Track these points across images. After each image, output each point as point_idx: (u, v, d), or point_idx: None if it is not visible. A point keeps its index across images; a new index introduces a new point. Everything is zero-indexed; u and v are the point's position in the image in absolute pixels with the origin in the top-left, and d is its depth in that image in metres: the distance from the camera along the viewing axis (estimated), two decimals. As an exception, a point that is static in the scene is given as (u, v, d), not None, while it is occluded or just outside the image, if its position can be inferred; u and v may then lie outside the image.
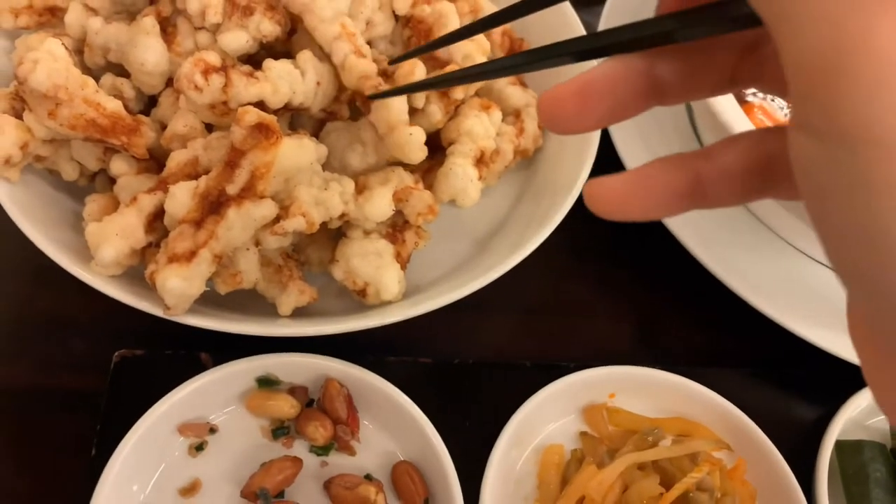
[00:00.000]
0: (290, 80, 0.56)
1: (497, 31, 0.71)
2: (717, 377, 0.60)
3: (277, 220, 0.52)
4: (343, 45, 0.57)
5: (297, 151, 0.52)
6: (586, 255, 0.69)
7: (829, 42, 0.17)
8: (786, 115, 0.67)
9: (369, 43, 0.64)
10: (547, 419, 0.57)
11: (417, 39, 0.64)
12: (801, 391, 0.62)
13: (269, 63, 0.56)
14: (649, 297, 0.67)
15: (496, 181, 0.67)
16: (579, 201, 0.67)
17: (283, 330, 0.53)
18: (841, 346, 0.60)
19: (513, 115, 0.69)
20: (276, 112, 0.58)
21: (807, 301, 0.62)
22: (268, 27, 0.58)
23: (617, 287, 0.67)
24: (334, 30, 0.57)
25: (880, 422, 0.60)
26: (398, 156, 0.57)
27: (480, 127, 0.62)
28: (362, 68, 0.56)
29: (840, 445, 0.56)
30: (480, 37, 0.64)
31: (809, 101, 0.18)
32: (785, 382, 0.62)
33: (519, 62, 0.33)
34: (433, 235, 0.66)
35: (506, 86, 0.69)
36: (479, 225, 0.67)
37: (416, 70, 0.60)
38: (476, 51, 0.64)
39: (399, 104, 0.56)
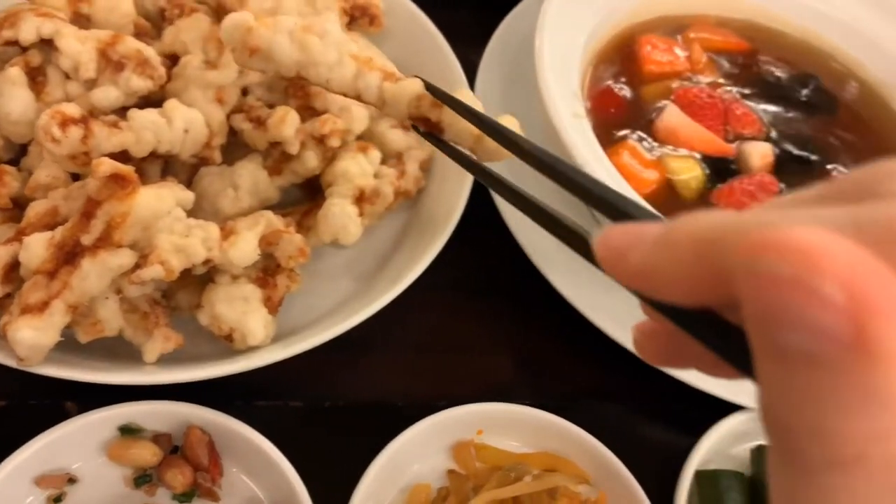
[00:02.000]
0: (156, 129, 0.57)
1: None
2: (590, 413, 0.62)
3: (138, 267, 0.53)
4: (370, 76, 0.56)
5: (155, 200, 0.53)
6: (471, 294, 0.70)
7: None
8: (654, 155, 0.69)
9: (245, 90, 0.66)
10: (415, 458, 0.57)
11: (294, 90, 0.66)
12: (670, 425, 0.64)
13: (132, 113, 0.57)
14: (530, 336, 0.68)
15: (378, 221, 0.69)
16: (468, 239, 0.70)
17: (143, 378, 0.53)
18: (704, 380, 0.61)
19: (395, 157, 0.70)
20: (143, 160, 0.59)
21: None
22: (138, 83, 0.59)
23: (499, 325, 0.69)
24: (348, 69, 0.55)
25: (742, 451, 0.62)
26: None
27: (356, 167, 0.63)
28: (412, 89, 0.54)
29: (699, 475, 0.58)
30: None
31: None
32: (655, 417, 0.64)
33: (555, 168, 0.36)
34: (318, 276, 0.67)
35: (388, 129, 0.71)
36: (363, 264, 0.68)
37: (287, 118, 0.62)
38: (352, 101, 0.65)
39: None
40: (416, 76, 0.56)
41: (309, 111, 0.65)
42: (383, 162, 0.69)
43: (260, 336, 0.57)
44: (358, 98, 0.57)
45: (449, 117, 0.53)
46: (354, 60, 0.55)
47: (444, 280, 0.70)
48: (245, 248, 0.56)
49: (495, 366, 0.66)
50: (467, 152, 0.55)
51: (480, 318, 0.68)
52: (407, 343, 0.67)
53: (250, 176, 0.62)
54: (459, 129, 0.53)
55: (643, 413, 0.65)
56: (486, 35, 0.81)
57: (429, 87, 0.55)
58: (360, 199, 0.63)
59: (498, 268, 0.70)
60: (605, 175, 0.60)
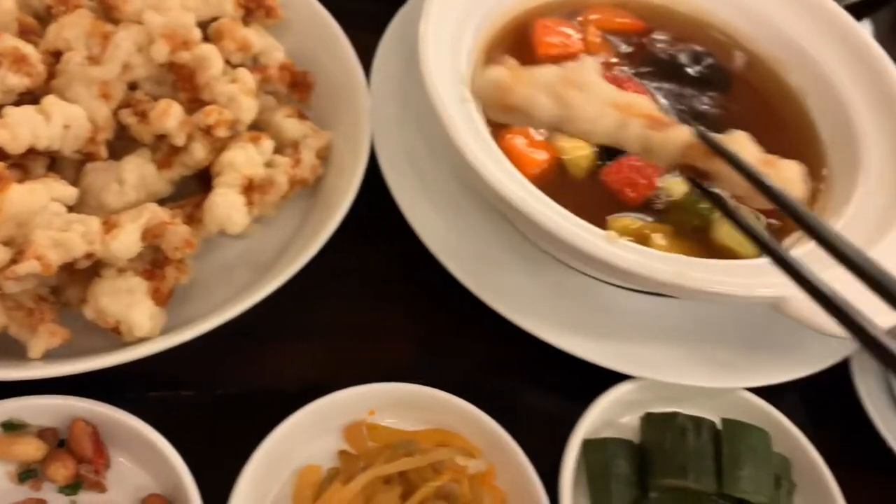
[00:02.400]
0: (32, 126, 0.57)
1: (275, 66, 0.74)
2: (485, 389, 0.63)
3: (14, 263, 0.53)
4: (632, 125, 0.50)
5: (27, 195, 0.53)
6: (370, 281, 0.71)
7: None
8: (545, 136, 0.71)
9: (134, 84, 0.66)
10: (307, 441, 0.58)
11: (182, 83, 0.66)
12: (561, 396, 0.65)
13: (7, 110, 0.57)
14: (428, 318, 0.69)
15: (275, 211, 0.69)
16: (368, 228, 0.71)
17: (22, 373, 0.53)
18: (594, 351, 0.63)
19: (291, 146, 0.71)
20: (25, 156, 0.59)
21: (564, 310, 0.66)
22: (14, 80, 0.59)
23: (398, 310, 0.70)
24: (610, 121, 0.50)
25: (633, 420, 0.63)
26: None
27: (243, 157, 0.64)
28: (680, 139, 0.49)
29: (586, 444, 0.59)
30: (244, 78, 0.67)
31: None
32: (547, 390, 0.66)
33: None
34: (216, 267, 0.68)
35: (283, 119, 0.71)
36: (262, 254, 0.69)
37: (170, 110, 0.62)
38: (240, 92, 0.66)
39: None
40: (685, 123, 0.51)
41: (198, 103, 0.66)
42: (280, 151, 0.70)
43: (146, 327, 0.57)
44: (619, 146, 0.52)
45: (722, 168, 0.48)
46: (615, 110, 0.50)
47: (343, 268, 0.71)
48: (126, 241, 0.57)
49: (394, 350, 0.67)
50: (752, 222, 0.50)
51: (379, 304, 0.69)
52: (306, 331, 0.68)
53: (136, 170, 0.62)
54: (734, 179, 0.48)
55: (535, 387, 0.66)
56: (386, 22, 0.81)
57: (700, 134, 0.50)
58: (249, 188, 0.64)
59: (397, 254, 0.71)
60: (488, 157, 0.61)
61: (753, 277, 0.59)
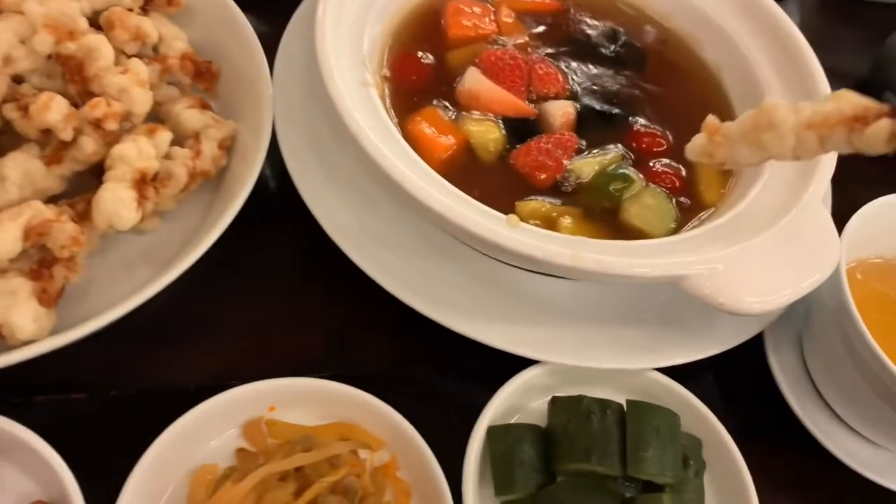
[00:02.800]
0: None
1: (175, 56, 0.71)
2: (394, 379, 0.62)
3: None
4: (836, 136, 0.48)
5: None
6: (278, 271, 0.70)
7: None
8: (454, 120, 0.69)
9: (19, 78, 0.63)
10: (204, 440, 0.57)
11: (70, 75, 0.64)
12: (469, 384, 0.64)
13: None
14: (337, 311, 0.68)
15: (175, 205, 0.67)
16: (281, 218, 0.69)
17: None
18: (501, 337, 0.62)
19: (192, 137, 0.69)
20: None
21: (474, 296, 0.65)
22: None
23: (308, 303, 0.68)
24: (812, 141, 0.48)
25: (543, 404, 0.62)
26: None
27: (133, 150, 0.62)
28: (885, 128, 0.46)
29: (490, 431, 0.58)
30: (136, 69, 0.65)
31: None
32: (455, 378, 0.65)
33: None
34: (116, 264, 0.66)
35: (183, 109, 0.69)
36: (165, 250, 0.67)
37: (52, 103, 0.60)
38: (132, 83, 0.64)
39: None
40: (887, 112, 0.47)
41: (89, 95, 0.63)
42: (182, 143, 0.68)
43: (29, 330, 0.55)
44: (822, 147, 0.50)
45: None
46: (811, 130, 0.50)
47: (248, 260, 0.70)
48: (4, 240, 0.55)
49: (301, 343, 0.66)
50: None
51: (286, 296, 0.68)
52: (209, 326, 0.66)
53: (19, 166, 0.60)
54: None
55: (447, 375, 0.65)
56: (294, 9, 0.79)
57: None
58: (142, 182, 0.62)
59: (305, 245, 0.69)
60: (386, 142, 0.60)
61: (654, 257, 0.58)
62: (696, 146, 0.56)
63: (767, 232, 0.61)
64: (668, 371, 0.64)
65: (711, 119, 0.55)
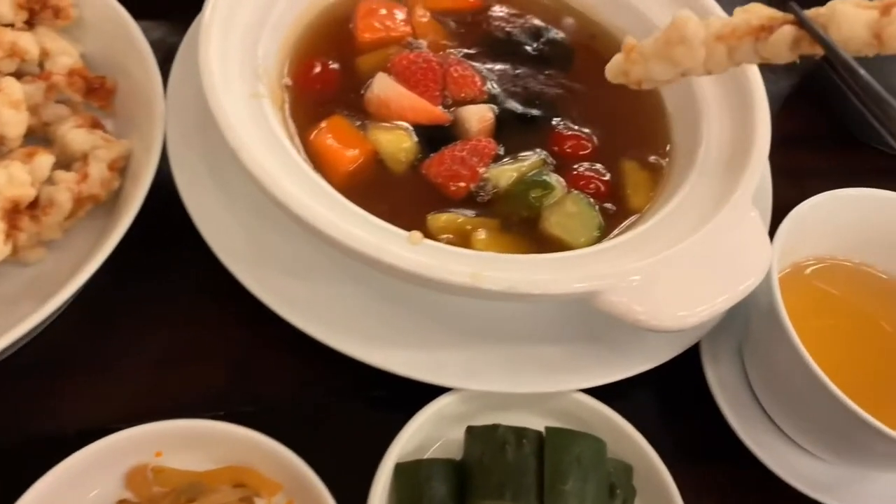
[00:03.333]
0: None
1: (62, 73, 0.66)
2: (296, 412, 0.58)
3: None
4: (745, 46, 0.51)
5: None
6: (174, 300, 0.65)
7: None
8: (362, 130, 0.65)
9: None
10: (83, 491, 0.52)
11: (-65, 95, 0.59)
12: (385, 413, 0.59)
13: None
14: (240, 338, 0.63)
15: (61, 233, 0.62)
16: (178, 243, 0.64)
17: None
18: (409, 365, 0.57)
19: (80, 159, 0.64)
20: None
21: (383, 320, 0.60)
22: None
23: (210, 332, 0.63)
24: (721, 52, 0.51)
25: (461, 433, 0.58)
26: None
27: (3, 177, 0.57)
28: (788, 33, 0.49)
29: (398, 469, 0.54)
30: (8, 88, 0.60)
31: None
32: (370, 406, 0.61)
33: None
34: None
35: (69, 130, 0.64)
36: (52, 282, 0.62)
37: None
38: (2, 104, 0.59)
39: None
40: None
41: (-42, 120, 0.59)
42: (69, 166, 0.63)
43: None
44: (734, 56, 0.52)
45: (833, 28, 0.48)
46: (720, 42, 0.52)
47: (141, 290, 0.65)
48: None
49: (199, 377, 0.61)
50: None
51: (183, 327, 0.63)
52: (98, 364, 0.61)
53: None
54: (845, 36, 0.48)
55: (356, 406, 0.61)
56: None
57: (799, 21, 0.50)
58: (14, 211, 0.57)
59: (207, 272, 0.64)
60: (274, 157, 0.55)
61: (566, 271, 0.53)
62: (613, 66, 0.57)
63: (692, 238, 0.56)
64: (599, 390, 0.60)
65: (629, 38, 0.56)
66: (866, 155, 0.92)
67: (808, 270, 0.65)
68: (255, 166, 0.52)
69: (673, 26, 0.53)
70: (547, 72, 0.73)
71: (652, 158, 0.69)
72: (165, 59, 0.69)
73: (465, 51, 0.72)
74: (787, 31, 0.50)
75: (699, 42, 0.52)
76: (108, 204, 0.65)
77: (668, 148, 0.69)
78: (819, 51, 0.50)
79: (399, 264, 0.50)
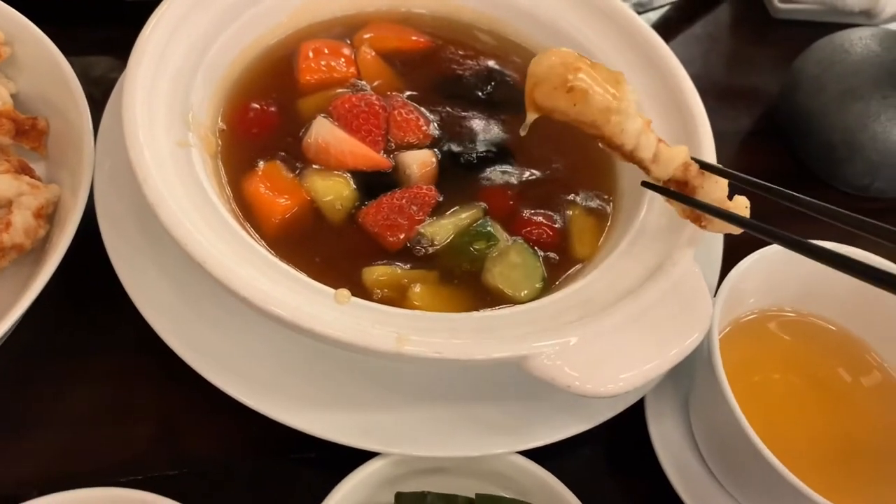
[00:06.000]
0: None
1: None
2: (231, 473, 0.55)
3: None
4: (651, 135, 0.55)
5: None
6: (103, 356, 0.62)
7: None
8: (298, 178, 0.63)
9: None
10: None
11: None
12: (315, 476, 0.57)
13: None
14: (171, 395, 0.61)
15: (-17, 285, 0.60)
16: (107, 295, 0.62)
17: None
18: (337, 427, 0.55)
19: (5, 206, 0.62)
20: None
21: (315, 379, 0.58)
22: None
23: (137, 389, 0.61)
24: (638, 123, 0.54)
25: (390, 498, 0.56)
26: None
27: (-84, 231, 0.55)
28: (682, 156, 0.55)
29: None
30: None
31: None
32: (302, 466, 0.58)
33: None
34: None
35: (-6, 175, 0.62)
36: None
37: None
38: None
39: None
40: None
41: None
42: (-7, 214, 0.61)
43: None
44: (633, 150, 0.55)
45: (708, 184, 0.55)
46: (640, 117, 0.55)
47: (66, 345, 0.63)
48: None
49: (129, 438, 0.59)
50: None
51: (113, 383, 0.61)
52: (24, 424, 0.59)
53: None
54: (713, 197, 0.55)
55: (287, 468, 0.58)
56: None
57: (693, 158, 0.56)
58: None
59: (134, 327, 0.62)
60: (195, 207, 0.53)
61: (498, 331, 0.51)
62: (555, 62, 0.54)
63: (630, 297, 0.54)
64: (538, 449, 0.58)
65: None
66: (832, 196, 0.90)
67: (755, 324, 0.64)
68: (172, 222, 0.50)
69: (619, 106, 0.54)
70: (497, 115, 0.71)
71: (598, 205, 0.67)
72: (105, 97, 0.67)
73: (412, 93, 0.71)
74: (684, 152, 0.56)
75: (635, 132, 0.54)
76: (34, 253, 0.63)
77: (614, 195, 0.68)
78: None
79: (318, 329, 0.48)
